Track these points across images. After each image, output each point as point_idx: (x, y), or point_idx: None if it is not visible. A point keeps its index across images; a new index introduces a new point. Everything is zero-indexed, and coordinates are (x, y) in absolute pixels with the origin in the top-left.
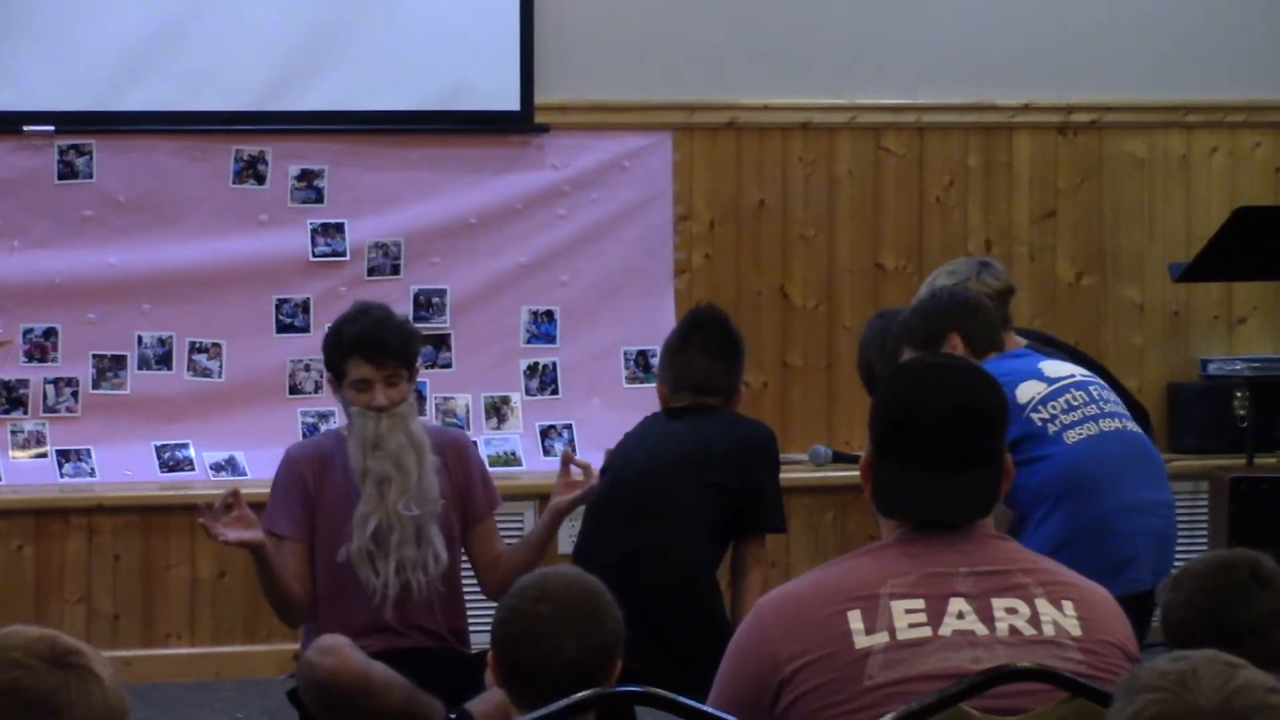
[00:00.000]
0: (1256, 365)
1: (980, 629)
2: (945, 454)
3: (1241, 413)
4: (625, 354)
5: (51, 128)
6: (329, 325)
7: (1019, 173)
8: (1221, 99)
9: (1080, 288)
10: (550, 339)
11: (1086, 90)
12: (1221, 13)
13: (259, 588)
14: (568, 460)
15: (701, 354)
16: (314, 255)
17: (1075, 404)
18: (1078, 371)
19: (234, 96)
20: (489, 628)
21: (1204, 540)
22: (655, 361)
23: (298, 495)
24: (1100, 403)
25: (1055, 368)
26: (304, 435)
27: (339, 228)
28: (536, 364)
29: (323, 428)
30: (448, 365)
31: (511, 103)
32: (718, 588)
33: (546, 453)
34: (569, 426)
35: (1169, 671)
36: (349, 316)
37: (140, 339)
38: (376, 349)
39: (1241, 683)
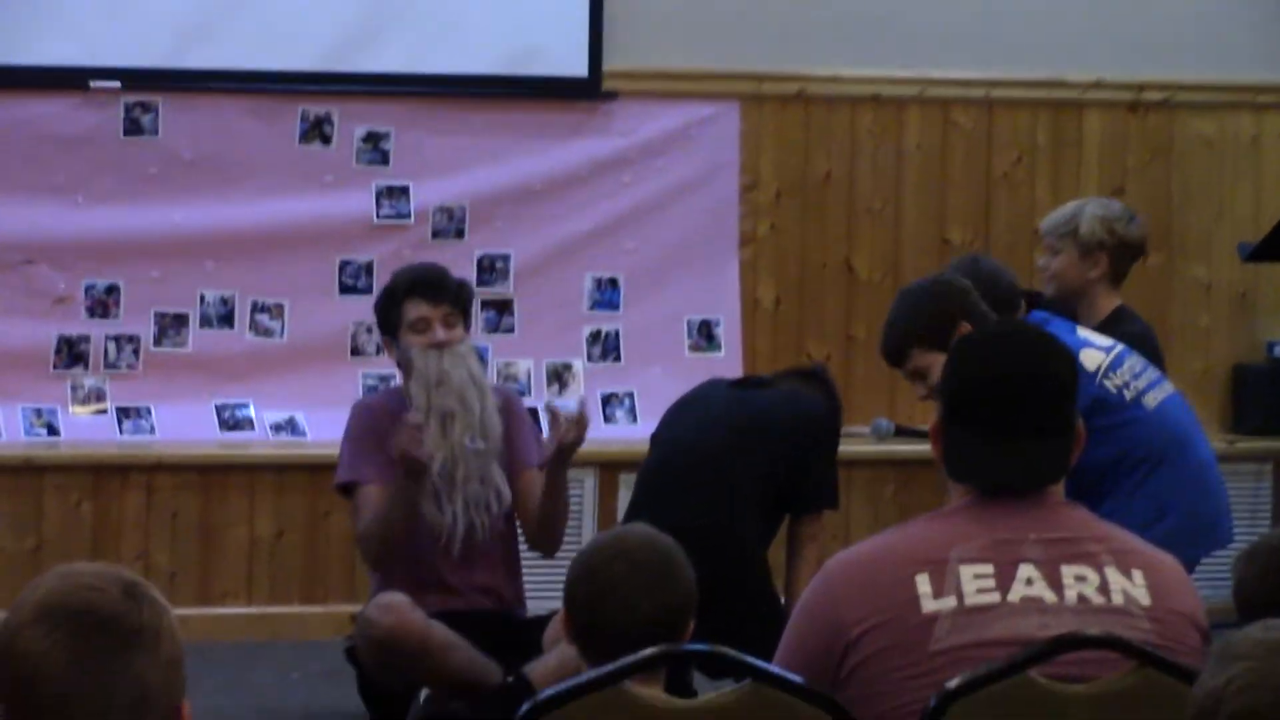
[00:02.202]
0: None
1: (1049, 596)
2: (1017, 420)
3: None
4: (689, 323)
5: (118, 84)
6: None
7: (1088, 150)
8: None
9: (1147, 267)
10: (613, 306)
11: (1158, 68)
12: None
13: (318, 548)
14: (553, 412)
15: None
16: (378, 218)
17: (1139, 369)
18: (1109, 338)
19: (301, 56)
20: (542, 592)
21: (1267, 521)
22: (718, 331)
23: (374, 442)
24: (1150, 367)
25: (1097, 336)
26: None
27: (404, 190)
28: (599, 331)
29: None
30: (510, 330)
31: (579, 68)
32: (767, 564)
33: (607, 420)
34: (630, 394)
35: (1264, 641)
36: (400, 270)
37: (203, 298)
38: (432, 286)
39: None
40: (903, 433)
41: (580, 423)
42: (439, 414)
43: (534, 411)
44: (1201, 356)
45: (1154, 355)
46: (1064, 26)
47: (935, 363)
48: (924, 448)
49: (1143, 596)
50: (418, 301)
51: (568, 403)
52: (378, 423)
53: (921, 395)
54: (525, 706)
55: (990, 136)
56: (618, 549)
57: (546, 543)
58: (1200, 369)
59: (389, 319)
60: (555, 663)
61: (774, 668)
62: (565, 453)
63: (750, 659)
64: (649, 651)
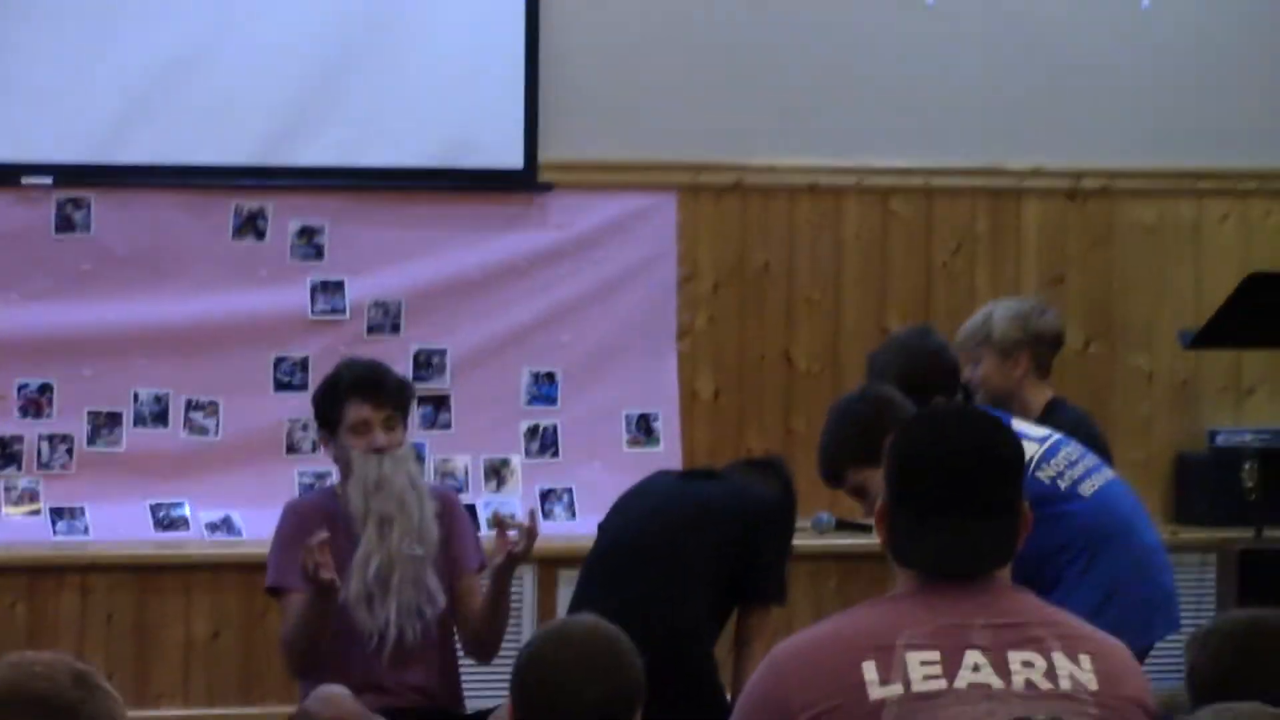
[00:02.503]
0: (1265, 436)
1: (996, 682)
2: (963, 502)
3: (1250, 484)
4: (627, 417)
5: (49, 180)
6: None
7: (1027, 238)
8: (1233, 166)
9: (1088, 355)
10: (551, 400)
11: (1097, 155)
12: (1233, 79)
13: (254, 648)
14: (500, 524)
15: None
16: (313, 313)
17: (1075, 458)
18: (1046, 428)
19: (235, 150)
20: (480, 690)
21: (1211, 611)
22: (657, 425)
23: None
24: (1089, 454)
25: (1030, 427)
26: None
27: (339, 285)
28: (537, 426)
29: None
30: (447, 426)
31: (515, 160)
32: (714, 659)
33: (546, 516)
34: (569, 490)
35: (1232, 710)
36: (343, 364)
37: (136, 395)
38: (375, 388)
39: None
40: (844, 526)
41: (530, 533)
42: (377, 518)
43: (471, 508)
44: (1143, 446)
45: (1091, 441)
46: (1002, 114)
47: (872, 478)
48: (865, 541)
49: (1090, 682)
50: (360, 403)
51: (511, 504)
52: (308, 525)
53: (865, 512)
54: None
55: (929, 225)
56: (563, 637)
57: (485, 650)
58: (1142, 458)
59: (329, 416)
60: None
61: None
62: (513, 563)
63: None
64: None
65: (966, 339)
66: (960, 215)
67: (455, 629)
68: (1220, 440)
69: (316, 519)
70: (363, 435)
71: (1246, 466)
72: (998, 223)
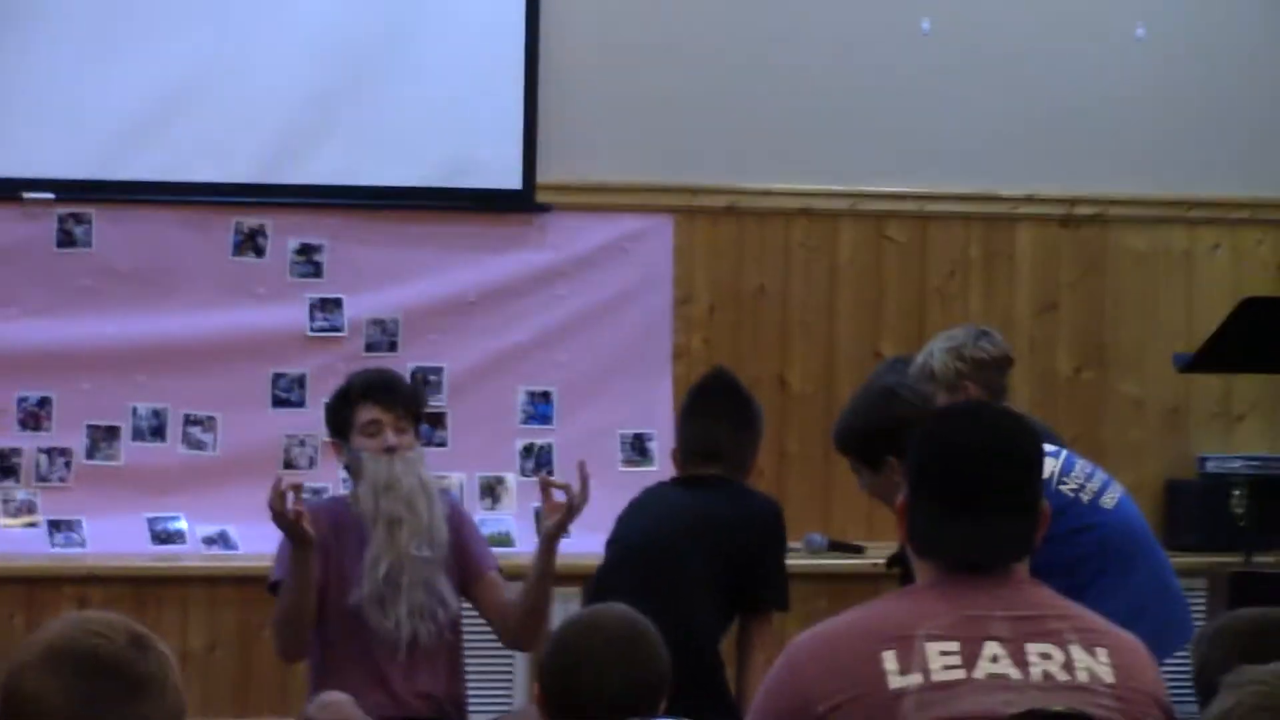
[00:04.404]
0: (1255, 464)
1: (1014, 673)
2: (984, 497)
3: (1239, 511)
4: (621, 437)
5: (51, 195)
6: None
7: (1021, 264)
8: (1225, 195)
9: (1079, 381)
10: (546, 420)
11: (1090, 183)
12: (1225, 108)
13: (250, 661)
14: (546, 485)
15: (709, 418)
16: (312, 330)
17: (1089, 470)
18: (1053, 444)
19: (235, 168)
20: (482, 696)
21: None
22: (651, 445)
23: (313, 545)
24: (1099, 468)
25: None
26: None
27: (337, 303)
28: (532, 445)
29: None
30: (443, 444)
31: (513, 181)
32: (722, 662)
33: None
34: None
35: (1274, 669)
36: (355, 373)
37: (135, 410)
38: (386, 391)
39: None
40: (836, 547)
41: (584, 485)
42: (386, 519)
43: None
44: (1133, 471)
45: None
46: (996, 140)
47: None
48: (858, 561)
49: (1107, 674)
50: (370, 405)
51: (505, 523)
52: (317, 522)
53: (860, 487)
54: None
55: (923, 250)
56: (592, 623)
57: (529, 634)
58: (1132, 484)
59: (340, 420)
60: None
61: None
62: (566, 521)
63: None
64: None
65: (915, 380)
66: (954, 241)
67: (492, 627)
68: (1210, 467)
69: (327, 519)
70: (374, 436)
71: (1236, 493)
72: (991, 249)
